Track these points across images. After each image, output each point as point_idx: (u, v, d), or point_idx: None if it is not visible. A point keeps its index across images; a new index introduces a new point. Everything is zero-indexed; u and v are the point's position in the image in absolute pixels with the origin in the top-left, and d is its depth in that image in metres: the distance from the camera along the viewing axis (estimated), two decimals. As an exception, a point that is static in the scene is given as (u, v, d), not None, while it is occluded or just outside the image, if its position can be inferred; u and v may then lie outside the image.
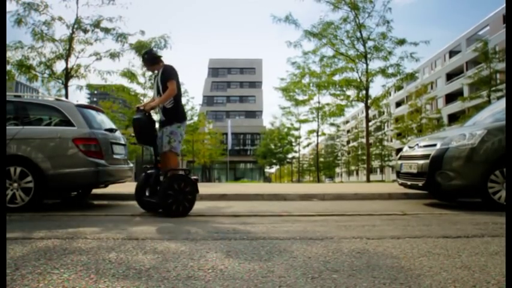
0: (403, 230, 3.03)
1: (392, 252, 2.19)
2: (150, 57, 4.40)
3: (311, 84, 21.17)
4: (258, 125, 51.95)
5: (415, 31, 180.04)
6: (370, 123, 22.64)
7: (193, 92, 45.20)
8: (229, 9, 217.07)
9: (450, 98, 42.41)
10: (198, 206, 5.16)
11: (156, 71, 4.43)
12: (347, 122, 67.33)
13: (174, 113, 4.27)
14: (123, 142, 5.71)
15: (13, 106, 4.83)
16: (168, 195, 3.95)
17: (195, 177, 4.34)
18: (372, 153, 37.20)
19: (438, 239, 2.61)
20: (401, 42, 16.13)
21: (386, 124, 42.42)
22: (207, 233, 2.89)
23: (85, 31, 12.05)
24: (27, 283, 1.61)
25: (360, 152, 44.63)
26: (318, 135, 25.56)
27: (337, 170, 59.80)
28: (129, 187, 7.98)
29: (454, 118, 37.74)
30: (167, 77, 4.23)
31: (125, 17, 12.45)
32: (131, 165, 6.04)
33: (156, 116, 4.76)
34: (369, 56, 16.40)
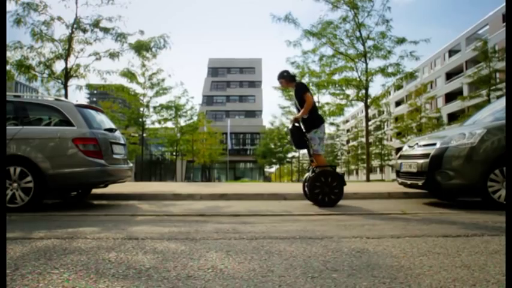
0: (403, 229, 3.03)
1: (392, 252, 2.19)
2: (289, 76, 5.22)
3: (310, 84, 21.11)
4: (258, 125, 51.94)
5: (414, 30, 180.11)
6: (369, 123, 22.63)
7: (193, 91, 45.35)
8: (229, 9, 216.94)
9: (450, 97, 42.44)
10: (198, 205, 5.17)
11: (290, 88, 5.29)
12: (347, 121, 67.34)
13: (310, 121, 5.07)
14: (122, 142, 5.71)
15: (13, 106, 4.83)
16: (315, 187, 4.82)
17: (342, 172, 5.18)
18: (372, 152, 37.19)
19: (438, 238, 2.61)
20: (401, 41, 16.09)
21: (386, 123, 42.42)
22: (207, 232, 2.89)
23: (84, 31, 12.02)
24: (27, 283, 1.61)
25: (359, 152, 44.61)
26: (317, 135, 25.52)
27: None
28: (129, 187, 7.98)
29: (453, 117, 37.74)
30: (302, 92, 5.04)
31: (124, 16, 12.43)
32: (131, 165, 6.05)
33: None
34: (368, 55, 16.37)
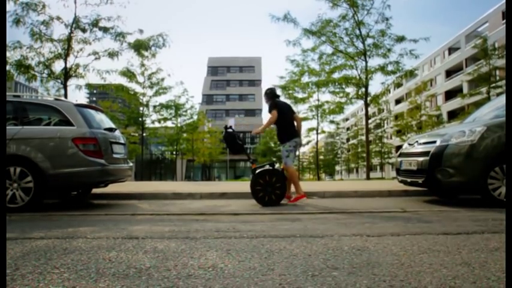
0: (403, 227, 3.03)
1: (392, 250, 2.19)
2: (271, 93, 5.52)
3: (310, 82, 21.13)
4: (258, 123, 51.86)
5: (414, 28, 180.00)
6: (369, 121, 22.60)
7: (193, 90, 45.33)
8: (229, 8, 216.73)
9: (450, 94, 42.40)
10: (198, 204, 5.17)
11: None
12: (346, 119, 67.31)
13: (280, 136, 5.42)
14: (122, 141, 5.70)
15: (12, 106, 4.83)
16: (257, 186, 4.91)
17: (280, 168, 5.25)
18: (372, 150, 37.19)
19: (438, 235, 2.61)
20: (401, 39, 16.07)
21: (386, 121, 42.38)
22: (207, 231, 2.89)
23: (83, 30, 12.03)
24: (28, 283, 1.61)
25: (359, 150, 44.60)
26: (317, 133, 25.55)
27: (337, 167, 59.77)
28: (129, 186, 7.98)
29: (453, 115, 37.76)
30: (269, 109, 5.32)
31: (123, 16, 12.50)
32: (131, 164, 6.04)
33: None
34: (368, 53, 16.34)
